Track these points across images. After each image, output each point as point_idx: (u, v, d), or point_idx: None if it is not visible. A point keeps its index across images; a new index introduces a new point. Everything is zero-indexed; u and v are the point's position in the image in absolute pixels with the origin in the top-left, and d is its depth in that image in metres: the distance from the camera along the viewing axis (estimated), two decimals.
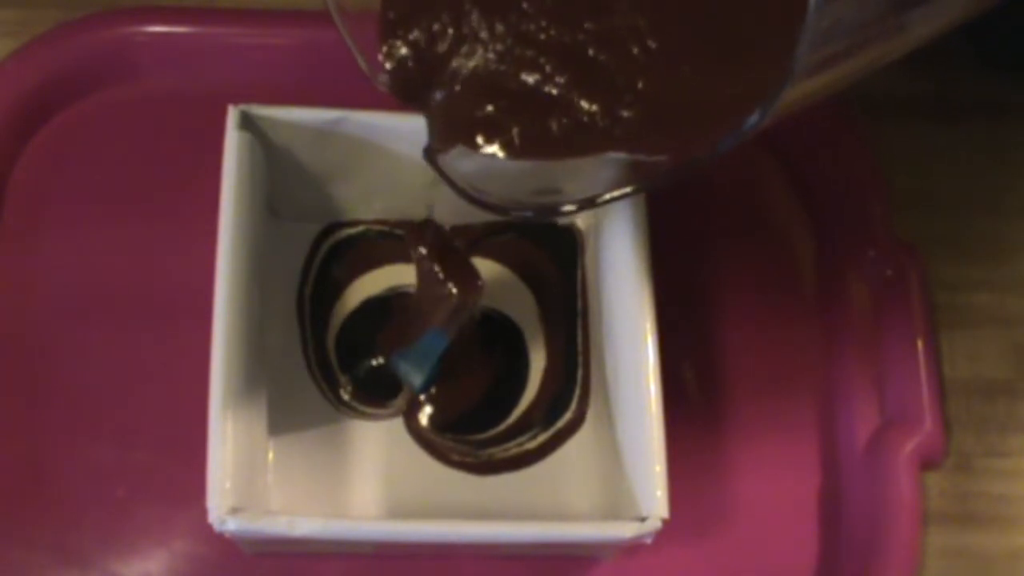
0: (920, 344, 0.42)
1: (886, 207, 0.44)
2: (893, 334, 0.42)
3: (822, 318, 0.43)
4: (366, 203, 0.42)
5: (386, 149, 0.38)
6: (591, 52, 0.31)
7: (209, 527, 0.32)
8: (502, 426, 0.40)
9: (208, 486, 0.33)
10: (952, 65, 0.47)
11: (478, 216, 0.33)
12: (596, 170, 0.30)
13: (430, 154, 0.32)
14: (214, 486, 0.33)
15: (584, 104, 0.30)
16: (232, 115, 0.36)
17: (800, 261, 0.44)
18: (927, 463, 0.41)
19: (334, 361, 0.41)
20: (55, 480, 0.39)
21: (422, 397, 0.40)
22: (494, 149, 0.31)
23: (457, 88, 0.32)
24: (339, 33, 0.32)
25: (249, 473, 0.35)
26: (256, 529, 0.33)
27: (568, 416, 0.40)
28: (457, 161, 0.32)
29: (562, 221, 0.43)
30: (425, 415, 0.40)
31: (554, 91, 0.31)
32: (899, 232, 0.43)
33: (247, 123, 0.37)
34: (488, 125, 0.31)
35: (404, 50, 0.33)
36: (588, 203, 0.30)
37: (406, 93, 0.33)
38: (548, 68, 0.31)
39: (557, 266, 0.43)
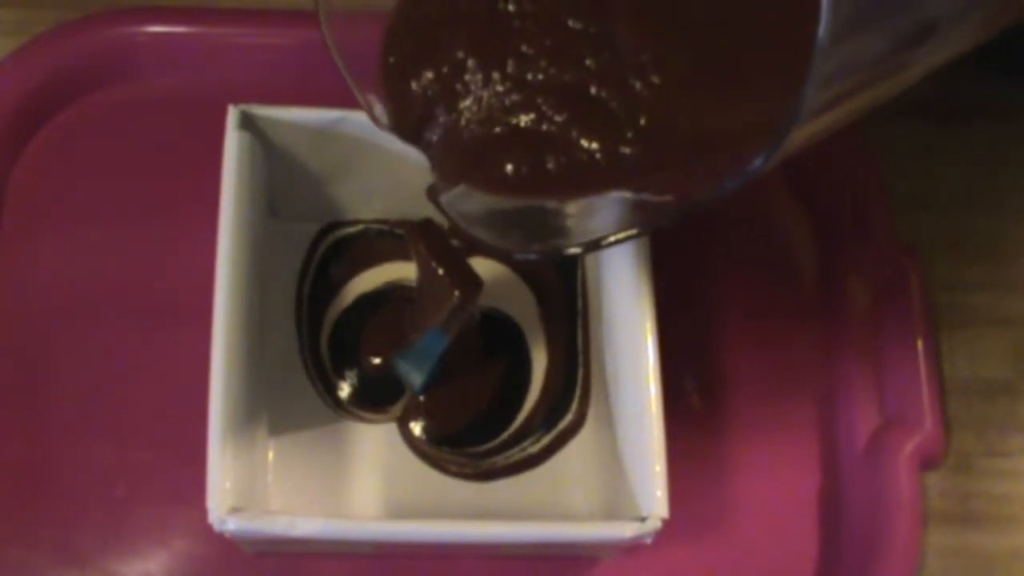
0: (920, 344, 0.42)
1: (886, 208, 0.44)
2: (893, 334, 0.42)
3: (822, 318, 0.43)
4: (366, 203, 0.42)
5: (386, 149, 0.38)
6: (592, 89, 0.30)
7: (209, 527, 0.32)
8: (504, 434, 0.40)
9: (208, 486, 0.32)
10: (952, 66, 0.47)
11: None
12: (601, 210, 0.30)
13: (432, 193, 0.32)
14: (214, 486, 0.33)
15: (584, 142, 0.30)
16: (232, 115, 0.36)
17: (800, 262, 0.44)
18: (927, 463, 0.41)
19: (328, 363, 0.40)
20: (55, 480, 0.39)
21: (421, 401, 0.40)
22: (494, 189, 0.31)
23: (457, 130, 0.32)
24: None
25: (249, 473, 0.35)
26: (256, 529, 0.33)
27: (569, 418, 0.40)
28: (459, 201, 0.31)
29: None
30: (419, 427, 0.40)
31: (554, 130, 0.30)
32: (899, 233, 0.43)
33: (247, 123, 0.37)
34: (487, 165, 0.31)
35: (405, 95, 0.32)
36: (593, 246, 0.29)
37: (405, 134, 0.33)
38: (547, 108, 0.31)
39: (557, 266, 0.42)
